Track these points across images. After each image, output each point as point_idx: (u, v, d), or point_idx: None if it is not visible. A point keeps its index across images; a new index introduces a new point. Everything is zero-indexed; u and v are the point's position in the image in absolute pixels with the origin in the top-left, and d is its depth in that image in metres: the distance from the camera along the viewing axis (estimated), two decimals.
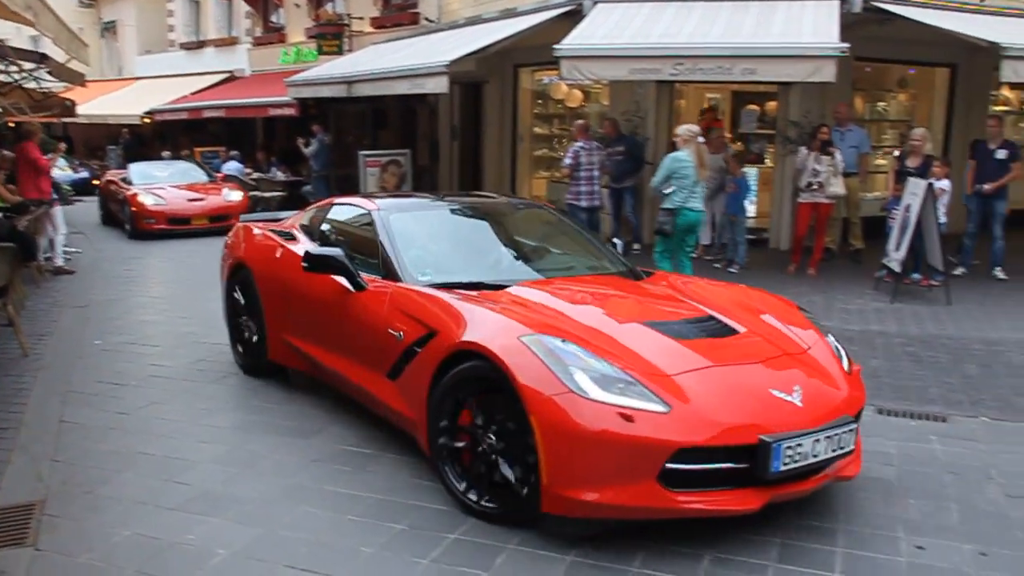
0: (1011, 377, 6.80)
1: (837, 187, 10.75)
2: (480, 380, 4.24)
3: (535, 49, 13.16)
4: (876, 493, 4.59)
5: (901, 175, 10.37)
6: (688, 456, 3.79)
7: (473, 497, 4.27)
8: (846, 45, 9.77)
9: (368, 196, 6.60)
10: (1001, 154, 10.65)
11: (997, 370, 7.01)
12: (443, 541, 4.00)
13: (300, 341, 5.89)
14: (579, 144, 11.65)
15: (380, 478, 4.71)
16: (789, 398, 4.08)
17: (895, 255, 9.84)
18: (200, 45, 27.13)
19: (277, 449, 5.16)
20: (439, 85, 12.21)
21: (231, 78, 24.86)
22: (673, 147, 9.49)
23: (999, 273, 10.70)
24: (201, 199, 15.82)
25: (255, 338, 6.43)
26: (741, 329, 4.67)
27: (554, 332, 4.22)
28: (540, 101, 16.70)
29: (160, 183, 16.20)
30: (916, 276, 10.20)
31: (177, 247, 14.11)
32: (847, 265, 11.52)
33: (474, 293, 4.87)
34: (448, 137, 18.17)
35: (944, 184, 10.15)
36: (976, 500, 4.57)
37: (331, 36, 19.61)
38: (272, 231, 6.61)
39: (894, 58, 13.86)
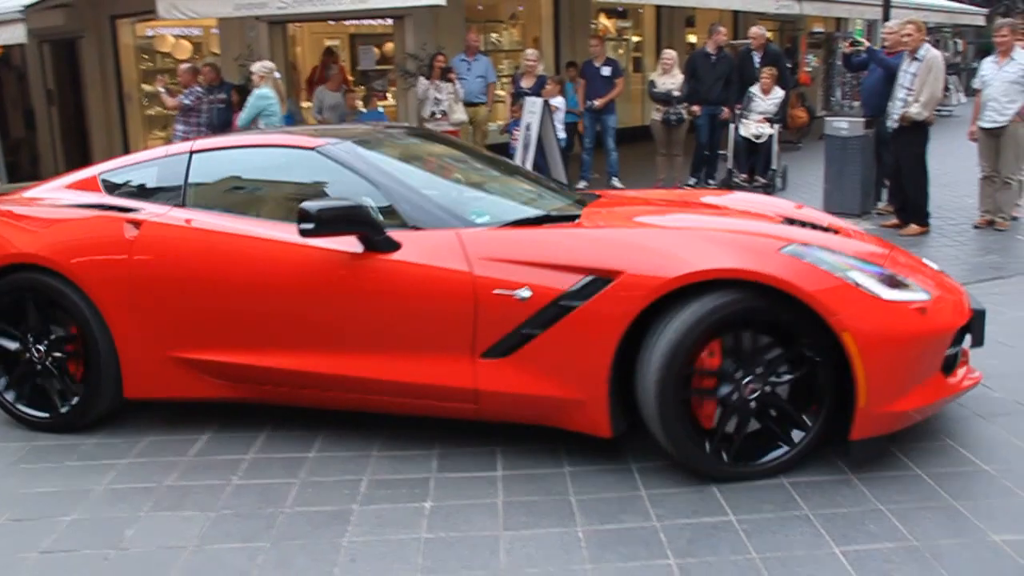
0: None
1: (460, 113, 10.86)
2: (733, 315, 3.40)
3: None
4: None
5: (517, 96, 10.68)
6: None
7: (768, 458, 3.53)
8: None
9: (272, 132, 5.02)
10: (606, 71, 11.29)
11: None
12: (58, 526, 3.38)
13: (224, 353, 4.04)
14: (199, 88, 10.80)
15: None
16: (938, 267, 4.17)
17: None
18: None
19: None
20: (16, 35, 10.66)
21: None
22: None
23: (616, 182, 11.39)
24: None
25: (77, 377, 4.26)
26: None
27: (793, 240, 3.64)
28: (146, 56, 15.37)
29: None
30: None
31: None
32: None
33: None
34: (44, 103, 16.21)
35: (558, 101, 10.56)
36: None
37: None
38: (81, 205, 4.42)
39: None
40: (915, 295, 3.55)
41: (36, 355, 4.30)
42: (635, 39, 17.78)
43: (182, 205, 4.26)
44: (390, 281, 3.75)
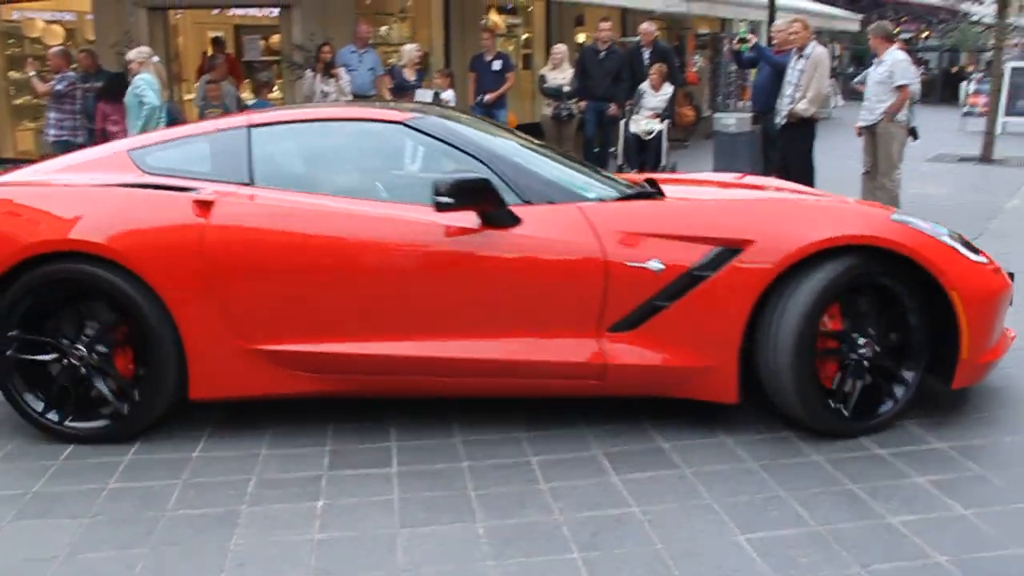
0: None
1: None
2: (854, 279, 3.58)
3: None
4: None
5: (401, 89, 10.53)
6: None
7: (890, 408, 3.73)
8: None
9: (347, 106, 4.89)
10: (497, 65, 11.20)
11: None
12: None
13: (321, 342, 3.71)
14: (72, 73, 10.26)
15: None
16: None
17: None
18: None
19: None
20: None
21: None
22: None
23: None
24: None
25: (129, 379, 3.82)
26: None
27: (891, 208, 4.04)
28: (13, 40, 14.56)
29: None
30: None
31: None
32: None
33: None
34: None
35: (448, 95, 10.45)
36: None
37: None
38: (121, 185, 3.88)
39: None
40: (983, 258, 3.86)
41: (78, 358, 3.79)
42: (525, 36, 17.78)
43: (250, 183, 3.87)
44: (513, 257, 3.64)
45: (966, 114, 18.16)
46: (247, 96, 11.65)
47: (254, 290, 3.73)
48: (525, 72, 16.94)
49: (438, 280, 3.67)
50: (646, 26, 11.21)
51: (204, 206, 3.76)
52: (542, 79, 11.15)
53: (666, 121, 10.67)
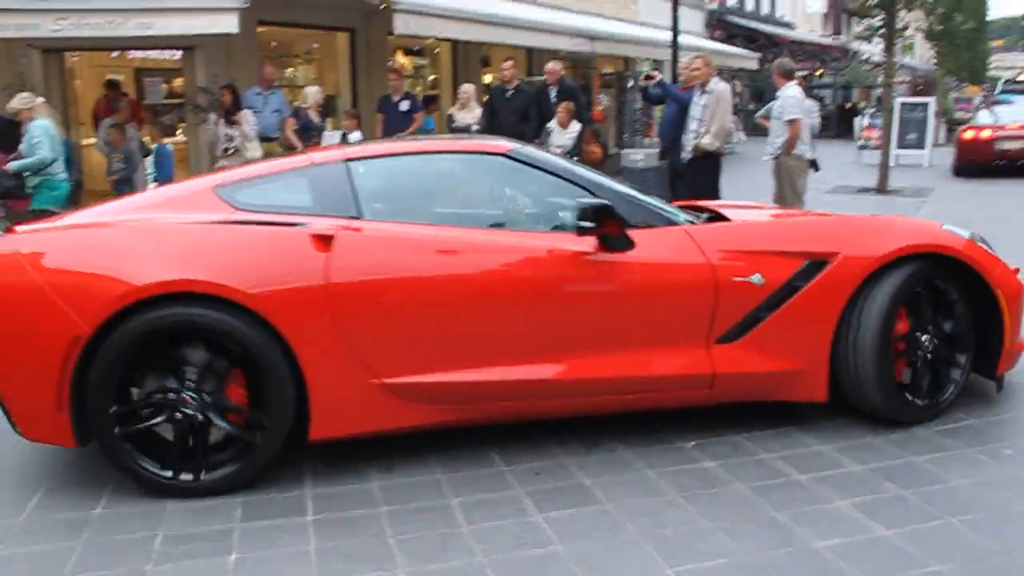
0: None
1: (254, 151, 10.41)
2: (918, 282, 4.01)
3: None
4: None
5: (307, 131, 10.44)
6: None
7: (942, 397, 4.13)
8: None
9: (445, 139, 5.10)
10: (404, 106, 11.17)
11: None
12: None
13: (448, 372, 3.67)
14: None
15: None
16: None
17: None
18: None
19: None
20: None
21: None
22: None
23: None
24: None
25: (239, 424, 3.62)
26: None
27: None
28: None
29: None
30: None
31: None
32: None
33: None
34: None
35: (356, 136, 10.41)
36: None
37: None
38: (222, 223, 3.70)
39: (295, 22, 13.92)
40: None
41: (191, 407, 3.54)
42: (432, 77, 17.84)
43: (358, 217, 3.78)
44: (634, 278, 3.83)
45: (861, 147, 18.84)
46: (148, 140, 11.37)
47: (381, 323, 3.65)
48: (433, 113, 16.99)
49: (564, 304, 3.80)
50: (552, 65, 11.31)
51: (324, 240, 3.64)
52: (450, 118, 11.16)
53: (574, 158, 10.74)
